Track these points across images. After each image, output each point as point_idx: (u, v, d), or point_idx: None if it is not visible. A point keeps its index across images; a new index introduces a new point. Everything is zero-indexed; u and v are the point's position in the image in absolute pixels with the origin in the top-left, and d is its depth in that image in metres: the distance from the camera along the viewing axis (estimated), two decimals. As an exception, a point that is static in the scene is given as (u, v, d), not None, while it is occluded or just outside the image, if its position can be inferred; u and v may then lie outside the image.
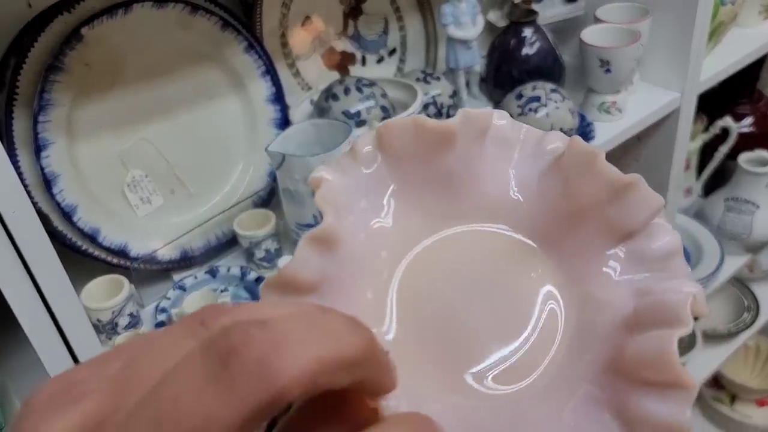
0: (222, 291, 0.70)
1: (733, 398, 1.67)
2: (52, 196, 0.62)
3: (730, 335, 1.49)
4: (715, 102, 1.31)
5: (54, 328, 0.51)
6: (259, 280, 0.71)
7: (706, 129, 1.31)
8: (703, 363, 1.47)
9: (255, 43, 0.73)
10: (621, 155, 1.02)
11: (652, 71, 0.94)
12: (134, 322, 0.65)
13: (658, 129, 0.97)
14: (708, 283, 1.27)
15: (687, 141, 1.00)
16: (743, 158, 1.29)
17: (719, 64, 1.00)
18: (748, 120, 1.35)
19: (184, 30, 0.69)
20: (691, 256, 1.33)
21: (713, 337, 1.48)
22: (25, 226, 0.46)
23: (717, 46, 1.02)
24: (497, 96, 0.88)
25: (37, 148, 0.61)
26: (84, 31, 0.62)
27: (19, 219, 0.46)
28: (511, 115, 0.82)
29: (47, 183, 0.62)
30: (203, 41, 0.70)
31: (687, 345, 1.44)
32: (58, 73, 0.61)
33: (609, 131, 0.87)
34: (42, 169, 0.61)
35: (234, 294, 0.70)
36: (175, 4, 0.67)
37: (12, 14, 0.66)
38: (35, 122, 0.61)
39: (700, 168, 1.35)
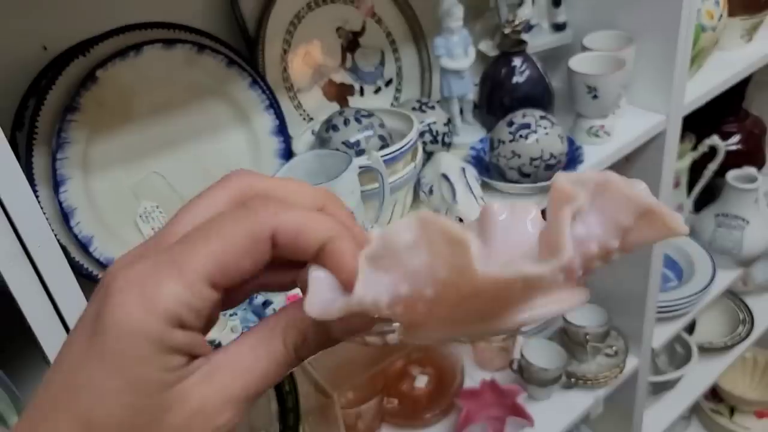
0: (231, 315, 0.73)
1: (732, 410, 1.69)
2: (69, 228, 0.66)
3: (726, 348, 1.51)
4: (702, 121, 1.35)
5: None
6: (266, 303, 0.74)
7: (695, 147, 1.35)
8: (700, 376, 1.49)
9: (258, 79, 0.77)
10: (611, 176, 1.06)
11: (638, 95, 0.99)
12: (148, 347, 0.68)
13: (646, 150, 1.01)
14: (701, 297, 1.30)
15: (674, 161, 1.04)
16: (731, 175, 1.33)
17: (703, 86, 1.05)
18: (736, 138, 1.39)
19: (191, 68, 0.73)
20: (683, 271, 1.36)
21: (709, 350, 1.51)
22: (49, 259, 0.50)
23: (700, 69, 1.06)
24: (490, 123, 0.92)
25: (56, 184, 0.64)
26: (98, 72, 0.66)
27: (44, 252, 0.49)
28: (502, 142, 0.85)
29: (65, 216, 0.65)
30: (209, 78, 0.74)
31: (683, 359, 1.46)
32: (74, 112, 0.65)
33: (598, 154, 0.90)
34: (60, 203, 0.65)
35: (242, 318, 0.73)
36: (182, 44, 0.71)
37: (28, 57, 0.70)
38: (54, 159, 0.64)
39: (690, 185, 1.39)
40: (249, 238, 0.24)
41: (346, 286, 0.24)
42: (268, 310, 0.73)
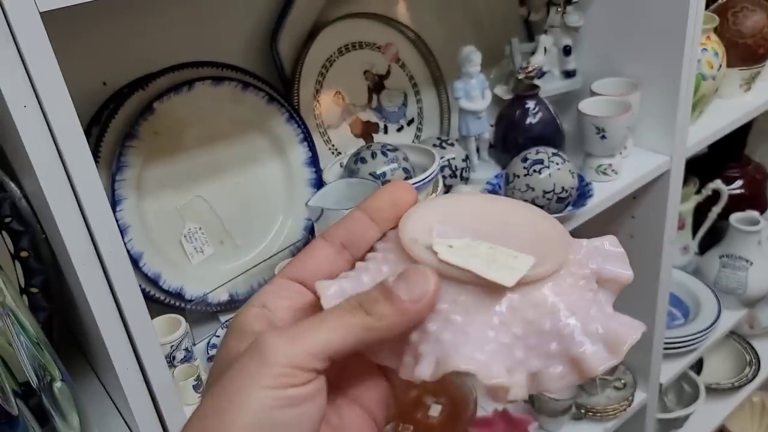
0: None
1: (741, 455, 1.69)
2: (123, 244, 0.72)
3: (734, 389, 1.54)
4: (706, 166, 1.42)
5: (134, 356, 0.59)
6: (297, 320, 0.79)
7: (699, 191, 1.41)
8: (707, 416, 1.51)
9: (295, 114, 0.85)
10: (618, 213, 1.12)
11: (644, 137, 1.05)
12: (188, 356, 0.73)
13: (651, 189, 1.07)
14: (707, 336, 1.34)
15: (678, 199, 1.10)
16: (735, 218, 1.38)
17: (704, 131, 1.11)
18: (738, 183, 1.45)
19: (236, 104, 0.80)
20: (690, 310, 1.40)
21: (717, 391, 1.54)
22: (117, 263, 0.56)
23: (701, 115, 1.13)
24: (505, 160, 0.99)
25: (114, 203, 0.71)
26: (155, 104, 0.73)
27: (114, 257, 0.55)
28: (517, 176, 0.91)
29: (121, 233, 0.71)
30: (252, 113, 0.81)
31: (690, 398, 1.49)
32: (133, 139, 0.72)
33: (606, 190, 0.97)
34: (117, 221, 0.71)
35: (276, 332, 0.79)
36: (229, 81, 0.79)
37: (89, 92, 0.77)
38: (113, 181, 0.71)
39: (695, 227, 1.45)
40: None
41: None
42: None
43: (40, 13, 0.48)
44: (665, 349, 1.28)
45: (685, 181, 1.35)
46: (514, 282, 0.27)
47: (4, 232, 0.63)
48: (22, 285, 0.65)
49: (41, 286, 0.64)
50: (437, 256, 0.28)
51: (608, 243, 0.33)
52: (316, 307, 0.30)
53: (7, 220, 0.62)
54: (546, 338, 0.28)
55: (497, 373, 0.26)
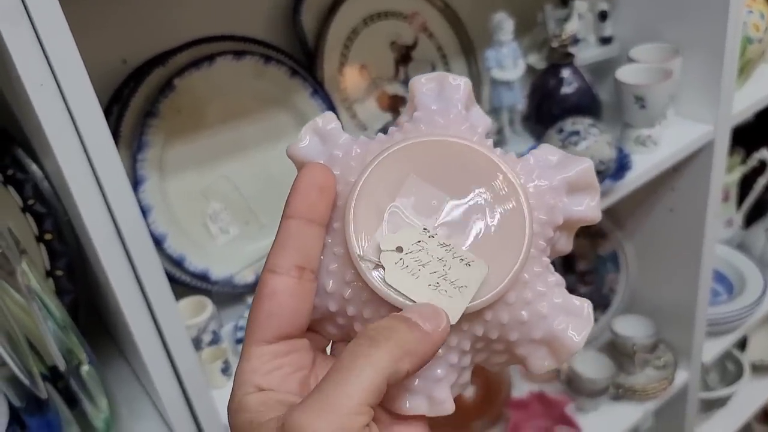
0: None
1: (787, 434, 1.64)
2: (145, 225, 0.71)
3: (779, 366, 1.49)
4: (752, 135, 1.36)
5: (159, 339, 0.58)
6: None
7: (744, 161, 1.35)
8: (752, 395, 1.47)
9: (319, 89, 0.82)
10: (658, 185, 1.07)
11: (686, 106, 1.00)
12: (216, 338, 0.72)
13: (694, 160, 1.02)
14: (752, 312, 1.29)
15: (723, 172, 1.05)
16: (782, 189, 1.32)
17: (750, 97, 1.06)
18: (786, 152, 1.39)
19: (258, 78, 0.78)
20: (734, 286, 1.35)
21: (762, 369, 1.49)
22: (139, 243, 0.54)
23: (747, 81, 1.07)
24: (539, 132, 0.95)
25: (135, 183, 0.70)
26: (176, 81, 0.71)
27: (136, 240, 0.54)
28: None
29: (143, 213, 0.70)
30: (274, 88, 0.79)
31: (735, 376, 1.44)
32: (154, 118, 0.71)
33: (646, 162, 0.92)
34: (139, 201, 0.70)
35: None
36: (251, 55, 0.76)
37: (109, 69, 0.76)
38: (134, 161, 0.70)
39: (740, 199, 1.39)
40: (275, 292, 0.28)
41: None
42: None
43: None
44: (708, 326, 1.23)
45: (731, 151, 1.29)
46: (455, 320, 0.27)
47: (28, 215, 0.62)
48: (48, 268, 0.64)
49: (66, 269, 0.63)
50: (383, 277, 0.27)
51: (577, 170, 0.31)
52: (317, 360, 0.29)
53: (30, 202, 0.61)
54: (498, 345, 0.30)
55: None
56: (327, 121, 0.31)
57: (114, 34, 0.75)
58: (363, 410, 0.24)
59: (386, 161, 0.28)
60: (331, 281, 0.28)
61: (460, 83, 0.31)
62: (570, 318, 0.29)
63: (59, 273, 0.63)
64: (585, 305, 0.30)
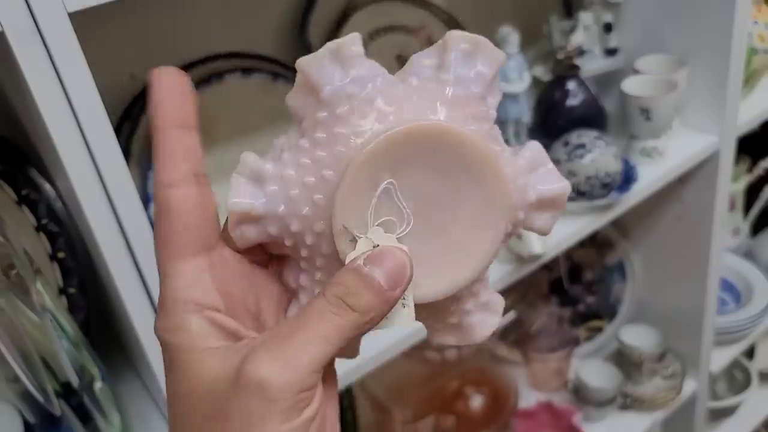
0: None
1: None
2: (157, 241, 0.72)
3: (788, 374, 1.48)
4: (758, 143, 1.36)
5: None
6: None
7: (750, 170, 1.35)
8: (760, 403, 1.47)
9: (327, 104, 0.83)
10: (664, 196, 1.07)
11: (691, 117, 1.01)
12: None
13: (700, 171, 1.03)
14: (760, 320, 1.29)
15: (729, 182, 1.05)
16: (788, 197, 1.32)
17: (756, 108, 1.06)
18: (792, 160, 1.39)
19: (266, 95, 0.78)
20: (741, 294, 1.35)
21: (769, 377, 1.48)
22: (152, 265, 0.55)
23: (753, 91, 1.07)
24: (545, 143, 0.95)
25: (146, 200, 0.70)
26: (185, 99, 0.72)
27: (147, 257, 0.55)
28: (558, 161, 0.88)
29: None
30: (283, 104, 0.79)
31: (743, 385, 1.44)
32: (164, 135, 0.71)
33: (651, 173, 0.93)
34: (149, 218, 0.71)
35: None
36: (259, 72, 0.77)
37: (117, 86, 0.77)
38: (145, 178, 0.70)
39: (747, 208, 1.39)
40: (179, 204, 0.27)
41: None
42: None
43: (69, 13, 0.47)
44: (716, 335, 1.23)
45: (736, 160, 1.29)
46: (411, 324, 0.28)
47: (41, 234, 0.63)
48: (61, 285, 0.65)
49: (78, 286, 0.64)
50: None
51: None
52: (253, 264, 0.29)
53: (44, 221, 0.62)
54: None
55: None
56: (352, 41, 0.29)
57: (124, 52, 0.76)
58: (321, 368, 0.25)
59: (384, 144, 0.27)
60: (301, 206, 0.27)
61: (498, 57, 0.29)
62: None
63: (72, 290, 0.64)
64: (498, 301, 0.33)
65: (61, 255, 0.63)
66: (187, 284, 0.26)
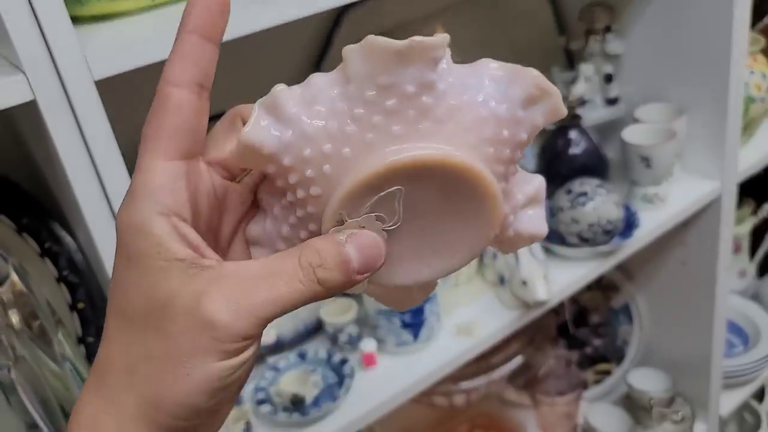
0: (311, 371, 0.79)
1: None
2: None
3: (799, 417, 1.47)
4: (762, 186, 1.38)
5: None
6: (343, 362, 0.80)
7: (755, 212, 1.37)
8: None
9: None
10: (668, 239, 1.09)
11: (692, 163, 1.03)
12: (237, 400, 0.74)
13: (702, 216, 1.04)
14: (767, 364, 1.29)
15: (731, 226, 1.07)
16: (793, 239, 1.33)
17: (756, 154, 1.08)
18: (796, 203, 1.40)
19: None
20: (749, 336, 1.35)
21: (781, 420, 1.47)
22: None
23: (752, 137, 1.10)
24: (549, 190, 0.98)
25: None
26: (201, 153, 0.75)
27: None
28: (561, 209, 0.90)
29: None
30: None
31: (753, 427, 1.43)
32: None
33: (654, 219, 0.95)
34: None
35: (323, 374, 0.79)
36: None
37: (138, 141, 0.80)
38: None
39: (753, 250, 1.40)
40: (179, 106, 0.27)
41: None
42: (346, 368, 0.79)
43: (95, 81, 0.50)
44: (724, 378, 1.23)
45: (740, 203, 1.31)
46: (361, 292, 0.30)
47: (62, 284, 0.66)
48: (80, 335, 0.67)
49: (97, 335, 0.66)
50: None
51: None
52: (220, 187, 0.29)
53: (65, 272, 0.65)
54: None
55: None
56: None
57: (145, 109, 0.79)
58: (267, 324, 0.26)
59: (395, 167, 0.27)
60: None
61: (557, 113, 0.29)
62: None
63: (90, 339, 0.66)
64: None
65: (80, 305, 0.65)
66: (162, 184, 0.26)
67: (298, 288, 0.26)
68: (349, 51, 0.26)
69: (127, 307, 0.26)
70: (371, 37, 0.26)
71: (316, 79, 0.27)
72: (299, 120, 0.27)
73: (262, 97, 0.28)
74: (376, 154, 0.26)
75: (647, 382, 1.20)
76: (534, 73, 0.28)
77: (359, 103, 0.26)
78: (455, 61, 0.28)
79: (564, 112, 0.29)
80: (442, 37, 0.26)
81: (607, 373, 1.29)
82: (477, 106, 0.27)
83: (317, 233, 0.28)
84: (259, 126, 0.27)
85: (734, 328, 1.36)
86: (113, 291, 0.27)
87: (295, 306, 0.26)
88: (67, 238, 0.66)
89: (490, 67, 0.28)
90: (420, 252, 0.30)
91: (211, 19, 0.27)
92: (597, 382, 1.28)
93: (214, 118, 0.28)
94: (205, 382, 0.25)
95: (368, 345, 0.79)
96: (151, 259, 0.26)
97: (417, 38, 0.25)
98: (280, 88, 0.27)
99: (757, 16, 1.22)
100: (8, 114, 0.51)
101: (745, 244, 1.39)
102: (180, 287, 0.25)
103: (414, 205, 0.28)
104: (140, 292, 0.26)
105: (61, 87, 0.49)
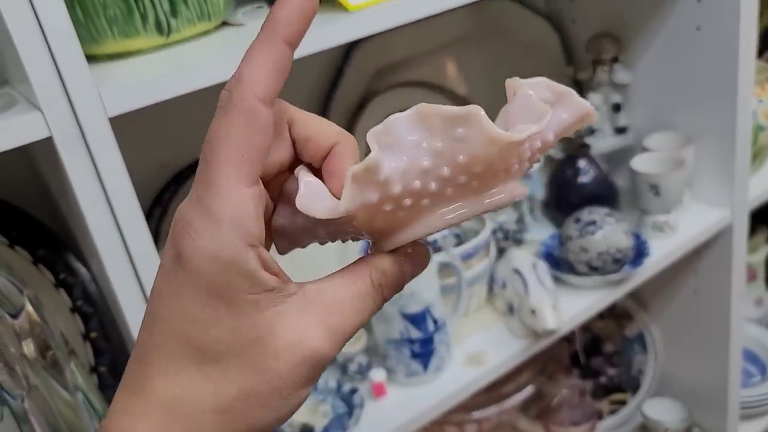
0: (321, 401, 0.79)
1: None
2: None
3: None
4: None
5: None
6: (353, 391, 0.80)
7: (768, 240, 1.36)
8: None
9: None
10: (680, 269, 1.08)
11: (702, 191, 1.03)
12: None
13: (714, 244, 1.04)
14: (787, 394, 1.26)
15: (744, 254, 1.06)
16: (809, 267, 1.32)
17: (767, 182, 1.08)
18: (812, 230, 1.39)
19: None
20: (766, 366, 1.33)
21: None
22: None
23: (763, 165, 1.10)
24: (559, 219, 0.98)
25: (175, 281, 0.74)
26: (213, 185, 0.77)
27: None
28: (570, 238, 0.90)
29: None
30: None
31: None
32: (192, 219, 0.76)
33: (664, 248, 0.94)
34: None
35: (332, 404, 0.79)
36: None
37: (150, 174, 0.82)
38: (174, 260, 0.74)
39: (768, 278, 1.39)
40: (267, 127, 0.25)
41: (337, 191, 0.27)
42: (356, 397, 0.79)
43: (109, 118, 0.52)
44: (741, 409, 1.21)
45: (755, 231, 1.30)
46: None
47: (76, 315, 0.67)
48: (92, 364, 0.68)
49: (109, 365, 0.68)
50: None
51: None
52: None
53: (79, 303, 0.66)
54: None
55: None
56: None
57: (157, 143, 0.81)
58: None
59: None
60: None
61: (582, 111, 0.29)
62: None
63: (102, 369, 0.67)
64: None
65: (93, 335, 0.67)
66: (249, 214, 0.24)
67: (372, 308, 0.28)
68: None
69: (206, 344, 0.25)
70: (492, 129, 0.25)
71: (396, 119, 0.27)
72: (414, 151, 0.26)
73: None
74: (468, 201, 0.28)
75: (663, 412, 1.18)
76: (548, 81, 0.29)
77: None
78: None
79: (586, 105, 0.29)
80: (541, 127, 0.27)
81: (622, 403, 1.27)
82: (534, 138, 0.28)
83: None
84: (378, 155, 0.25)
85: (751, 357, 1.34)
86: (181, 325, 0.25)
87: (368, 321, 0.28)
88: (82, 269, 0.67)
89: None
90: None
91: (304, 28, 0.25)
92: (612, 412, 1.27)
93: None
94: (296, 407, 0.27)
95: (378, 375, 0.80)
96: (242, 293, 0.24)
97: (527, 132, 0.26)
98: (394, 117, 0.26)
99: (764, 44, 1.23)
100: (26, 149, 0.53)
101: (761, 272, 1.38)
102: (275, 320, 0.25)
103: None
104: (227, 328, 0.25)
105: (76, 124, 0.51)
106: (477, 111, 0.25)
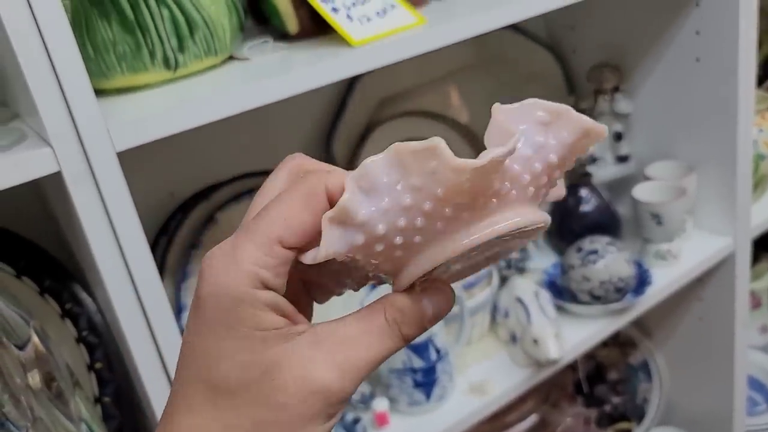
0: (324, 431, 0.79)
1: None
2: (187, 349, 0.75)
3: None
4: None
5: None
6: (356, 421, 0.80)
7: (772, 267, 1.36)
8: None
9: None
10: (685, 296, 1.08)
11: (704, 219, 1.03)
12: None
13: (717, 272, 1.04)
14: (794, 422, 1.25)
15: (747, 281, 1.06)
16: (814, 294, 1.31)
17: (769, 210, 1.09)
18: (815, 257, 1.38)
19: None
20: (773, 394, 1.32)
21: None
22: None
23: (765, 194, 1.10)
24: (561, 248, 0.99)
25: (179, 310, 0.75)
26: (217, 215, 0.78)
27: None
28: (572, 267, 0.90)
29: (185, 339, 0.75)
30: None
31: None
32: (197, 250, 0.77)
33: (666, 276, 0.95)
34: (180, 328, 0.75)
35: (335, 434, 0.79)
36: (286, 188, 0.83)
37: (157, 204, 0.83)
38: (178, 289, 0.75)
39: (772, 305, 1.38)
40: (305, 195, 0.27)
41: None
42: (358, 427, 0.79)
43: (117, 153, 0.53)
44: (748, 438, 1.20)
45: (758, 259, 1.30)
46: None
47: (81, 345, 0.68)
48: (96, 394, 0.68)
49: (113, 396, 0.68)
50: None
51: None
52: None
53: (84, 333, 0.67)
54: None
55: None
56: None
57: (164, 174, 0.82)
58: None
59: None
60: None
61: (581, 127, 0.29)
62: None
63: (106, 399, 0.67)
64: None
65: (98, 365, 0.67)
66: (264, 263, 0.27)
67: (389, 345, 0.28)
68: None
69: (217, 378, 0.26)
70: (462, 162, 0.25)
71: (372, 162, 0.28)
72: (392, 191, 0.26)
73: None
74: (462, 232, 0.28)
75: (668, 441, 1.17)
76: (540, 102, 0.28)
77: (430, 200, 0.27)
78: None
79: (590, 123, 0.29)
80: (507, 149, 0.26)
81: None
82: (529, 161, 0.28)
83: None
84: (353, 197, 0.26)
85: (757, 385, 1.34)
86: (199, 361, 0.27)
87: (385, 359, 0.28)
88: (88, 300, 0.68)
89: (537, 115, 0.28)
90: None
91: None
92: (617, 441, 1.26)
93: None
94: None
95: (380, 404, 0.80)
96: (251, 329, 0.26)
97: (489, 156, 0.25)
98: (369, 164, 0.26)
99: (764, 73, 1.24)
100: (35, 181, 0.54)
101: (765, 299, 1.37)
102: (283, 355, 0.26)
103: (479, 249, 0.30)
104: (237, 362, 0.26)
105: (85, 159, 0.52)
106: (438, 142, 0.25)
